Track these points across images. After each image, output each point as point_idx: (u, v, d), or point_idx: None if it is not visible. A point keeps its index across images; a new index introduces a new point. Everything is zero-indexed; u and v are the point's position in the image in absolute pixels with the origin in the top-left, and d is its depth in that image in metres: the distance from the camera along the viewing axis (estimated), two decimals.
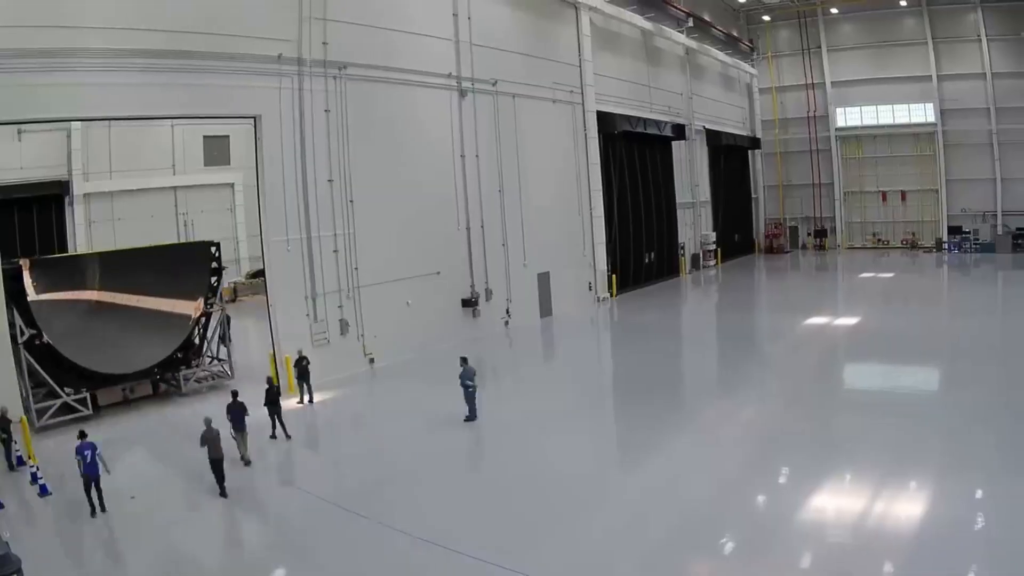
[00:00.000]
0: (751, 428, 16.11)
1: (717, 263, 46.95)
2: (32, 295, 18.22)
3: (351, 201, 22.38)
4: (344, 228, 22.27)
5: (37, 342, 17.93)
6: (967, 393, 17.45)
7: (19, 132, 21.27)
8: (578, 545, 10.98)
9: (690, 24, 42.56)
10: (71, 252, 21.82)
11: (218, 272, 22.17)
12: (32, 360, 17.95)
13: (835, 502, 11.92)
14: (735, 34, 51.02)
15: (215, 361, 22.57)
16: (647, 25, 38.70)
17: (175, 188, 26.56)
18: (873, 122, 51.61)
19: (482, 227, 27.26)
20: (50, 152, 22.90)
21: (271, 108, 20.62)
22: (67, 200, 23.78)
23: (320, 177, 21.67)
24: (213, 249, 22.08)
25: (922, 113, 49.51)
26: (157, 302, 21.53)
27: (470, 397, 17.09)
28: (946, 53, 48.06)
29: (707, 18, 45.68)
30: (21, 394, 17.71)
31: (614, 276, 35.65)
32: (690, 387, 21.42)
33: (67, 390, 18.53)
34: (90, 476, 12.73)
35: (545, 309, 30.82)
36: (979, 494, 11.71)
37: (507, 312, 28.45)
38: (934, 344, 23.69)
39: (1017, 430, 14.67)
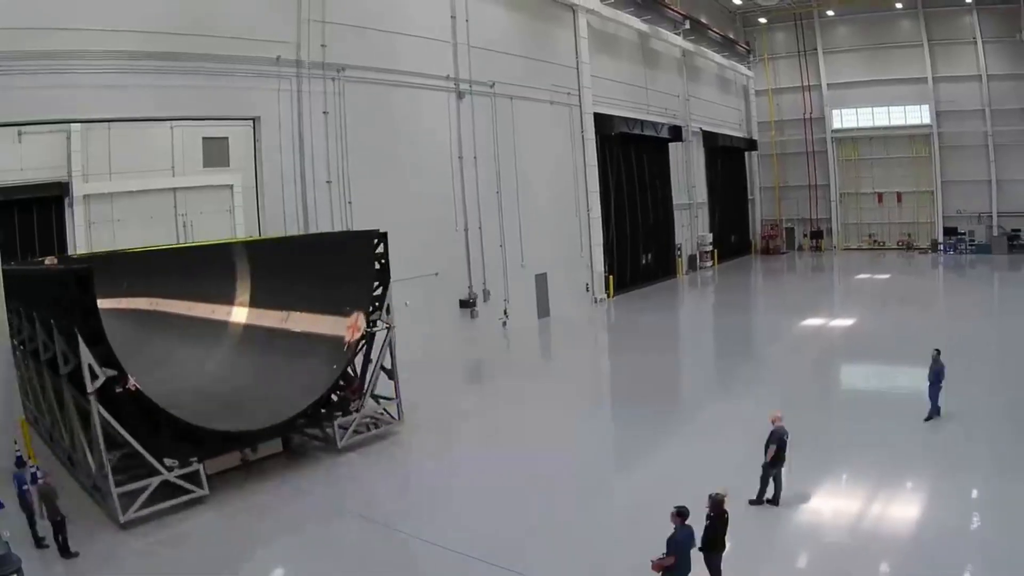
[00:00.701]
0: (748, 428, 16.15)
1: (714, 264, 47.11)
2: (104, 314, 11.81)
3: (349, 203, 22.45)
4: (343, 229, 22.32)
5: (119, 389, 11.88)
6: (964, 393, 17.54)
7: (19, 134, 21.32)
8: (577, 544, 11.03)
9: (687, 26, 42.76)
10: (135, 248, 16.08)
11: (384, 275, 16.37)
12: (109, 417, 11.85)
13: (832, 503, 12.00)
14: (731, 36, 51.22)
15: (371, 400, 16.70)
16: (644, 27, 38.85)
17: (174, 189, 26.61)
18: (869, 124, 51.85)
19: (480, 228, 27.35)
20: (50, 154, 22.97)
21: (270, 110, 20.72)
22: (67, 201, 23.80)
23: (319, 178, 21.76)
24: (376, 242, 16.30)
25: (918, 115, 49.74)
26: (294, 319, 15.74)
27: (936, 393, 15.82)
28: (942, 55, 48.31)
29: (704, 20, 45.86)
30: (89, 465, 12.54)
31: (611, 277, 35.76)
32: (688, 388, 21.53)
33: (169, 462, 12.59)
34: None
35: (543, 310, 30.91)
36: (975, 494, 11.81)
37: (505, 313, 28.53)
38: (930, 345, 23.76)
39: (1013, 430, 14.78)
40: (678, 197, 43.55)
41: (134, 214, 26.93)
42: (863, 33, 50.99)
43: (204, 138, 27.09)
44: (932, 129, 48.98)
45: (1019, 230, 46.44)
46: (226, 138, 26.22)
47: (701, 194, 47.07)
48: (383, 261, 16.31)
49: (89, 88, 17.11)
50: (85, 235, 24.51)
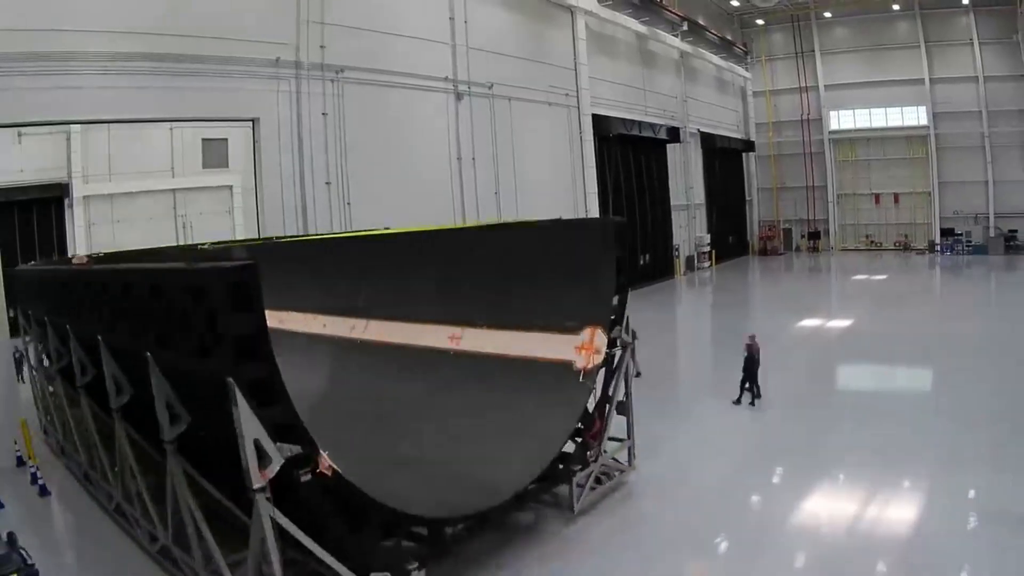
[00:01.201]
0: (745, 428, 16.19)
1: (712, 265, 47.16)
2: (277, 346, 7.20)
3: (348, 204, 22.51)
4: (342, 230, 22.37)
5: (305, 476, 7.44)
6: (961, 393, 17.56)
7: (19, 135, 21.46)
8: None
9: (684, 28, 42.92)
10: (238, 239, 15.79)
11: (622, 276, 11.83)
12: (293, 529, 7.40)
13: (829, 503, 11.91)
14: (729, 38, 51.36)
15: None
16: (642, 29, 38.96)
17: (174, 190, 26.84)
18: (866, 125, 52.03)
19: None
20: (50, 155, 23.14)
21: (269, 111, 20.77)
22: (67, 202, 24.02)
23: (318, 179, 21.81)
24: (615, 234, 11.92)
25: (915, 116, 49.93)
26: (506, 340, 11.47)
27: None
28: (938, 56, 48.48)
29: (701, 22, 46.01)
30: None
31: None
32: (685, 386, 21.55)
33: None
34: None
35: None
36: (972, 494, 11.80)
37: None
38: (927, 346, 23.85)
39: (1007, 430, 14.79)
40: (676, 198, 43.65)
41: (134, 215, 27.21)
42: (860, 34, 51.14)
43: (204, 139, 27.30)
44: (929, 130, 49.14)
45: (1016, 231, 46.60)
46: (225, 139, 26.44)
47: (699, 195, 47.14)
48: (621, 259, 11.85)
49: (89, 89, 17.14)
50: (85, 236, 24.74)
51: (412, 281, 11.82)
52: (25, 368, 16.39)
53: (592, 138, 34.31)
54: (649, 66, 41.08)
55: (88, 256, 12.81)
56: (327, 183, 22.04)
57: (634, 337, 12.61)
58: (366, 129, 23.12)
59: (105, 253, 15.72)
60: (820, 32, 52.18)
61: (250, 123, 20.86)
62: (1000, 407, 15.93)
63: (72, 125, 21.82)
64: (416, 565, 8.46)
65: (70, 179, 23.94)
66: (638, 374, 12.96)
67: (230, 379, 6.80)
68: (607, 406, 12.12)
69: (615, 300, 11.85)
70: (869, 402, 17.63)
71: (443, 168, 26.23)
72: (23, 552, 9.62)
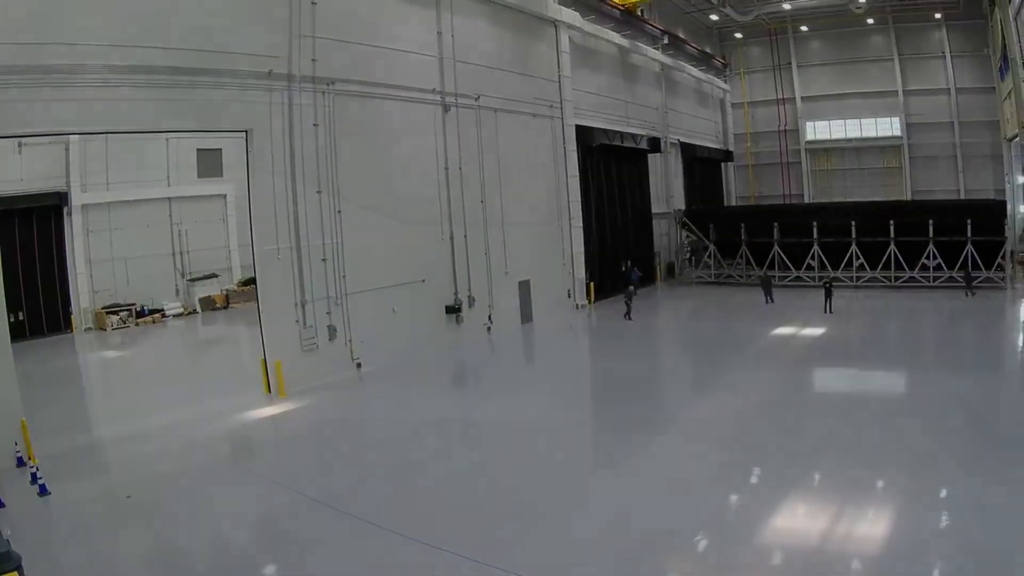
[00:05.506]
0: (725, 431, 16.46)
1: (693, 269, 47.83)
2: None
3: (339, 212, 22.99)
4: (332, 237, 22.86)
5: None
6: (937, 396, 17.98)
7: (19, 145, 21.81)
8: (560, 545, 11.16)
9: (665, 41, 43.94)
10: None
11: None
12: None
13: (807, 505, 12.21)
14: (708, 51, 52.50)
15: None
16: (624, 42, 39.91)
17: (169, 199, 27.17)
18: (841, 135, 53.25)
19: (465, 237, 28.04)
20: (49, 164, 23.47)
21: (262, 122, 21.16)
22: (66, 211, 24.27)
23: (309, 188, 22.24)
24: None
25: (888, 127, 51.18)
26: None
27: None
28: (912, 69, 49.82)
29: (682, 35, 47.08)
30: None
31: (591, 284, 36.49)
32: (665, 390, 22.16)
33: None
34: None
35: (526, 316, 31.62)
36: (943, 494, 12.06)
37: (489, 319, 29.19)
38: (902, 350, 24.59)
39: (985, 431, 15.24)
40: (657, 206, 44.48)
41: (131, 222, 27.59)
42: (836, 48, 52.41)
43: (198, 150, 27.74)
44: (903, 140, 50.42)
45: None
46: (219, 149, 26.91)
47: (679, 203, 47.99)
48: None
49: (87, 102, 17.48)
50: (83, 243, 25.09)
51: None
52: None
53: (575, 148, 35.05)
54: (631, 78, 41.98)
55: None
56: (318, 192, 22.50)
57: None
58: (356, 140, 23.65)
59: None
60: (797, 45, 53.43)
61: (243, 134, 21.26)
62: None
63: (71, 136, 22.21)
64: None
65: (69, 188, 24.22)
66: None
67: None
68: None
69: None
70: None
71: (431, 177, 26.82)
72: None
